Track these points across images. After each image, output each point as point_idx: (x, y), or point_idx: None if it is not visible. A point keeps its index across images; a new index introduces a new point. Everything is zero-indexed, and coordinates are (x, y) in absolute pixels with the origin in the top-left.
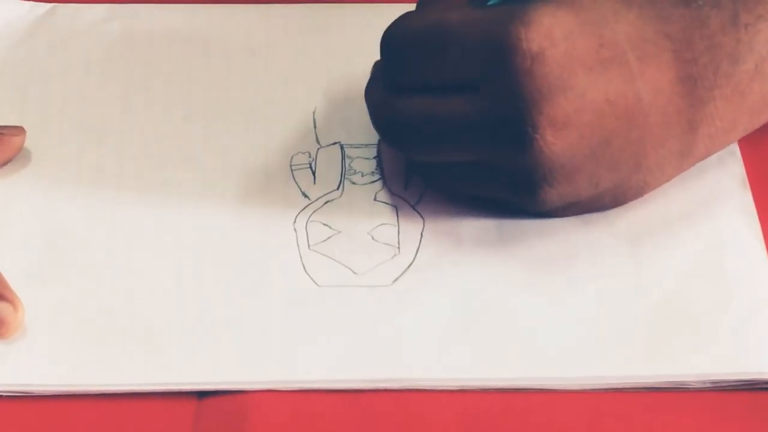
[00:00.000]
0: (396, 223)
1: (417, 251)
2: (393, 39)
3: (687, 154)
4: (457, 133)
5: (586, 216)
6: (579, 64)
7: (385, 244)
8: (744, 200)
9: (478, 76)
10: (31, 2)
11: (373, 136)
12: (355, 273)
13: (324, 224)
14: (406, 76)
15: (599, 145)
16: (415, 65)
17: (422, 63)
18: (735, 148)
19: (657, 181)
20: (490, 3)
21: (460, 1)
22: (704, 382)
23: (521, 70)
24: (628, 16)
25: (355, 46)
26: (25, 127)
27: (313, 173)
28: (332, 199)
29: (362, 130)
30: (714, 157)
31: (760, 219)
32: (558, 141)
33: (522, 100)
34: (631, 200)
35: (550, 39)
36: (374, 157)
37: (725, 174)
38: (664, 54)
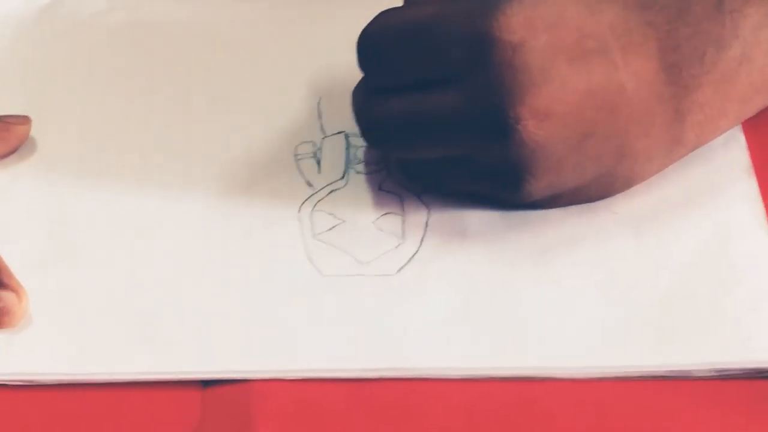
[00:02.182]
0: (401, 213)
1: (422, 241)
2: (369, 41)
3: (677, 143)
4: (441, 128)
5: (590, 204)
6: (561, 54)
7: (390, 233)
8: (749, 186)
9: (458, 70)
10: None
11: None
12: (359, 262)
13: (329, 213)
14: (385, 77)
15: (582, 136)
16: (394, 65)
17: (401, 62)
18: (739, 134)
19: (646, 171)
20: None
21: None
22: (709, 371)
23: (502, 61)
24: (611, 5)
25: None
26: (30, 117)
27: (318, 163)
28: (337, 189)
29: None
30: (718, 143)
31: (765, 206)
32: (540, 131)
33: (503, 91)
34: (620, 191)
35: (531, 30)
36: None
37: (729, 160)
38: (647, 43)
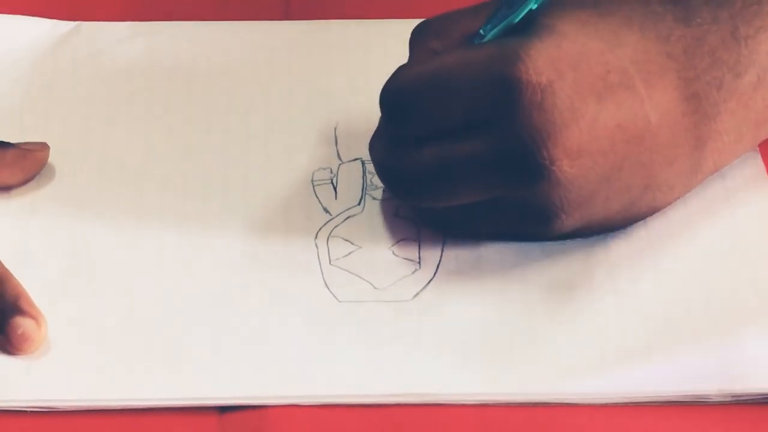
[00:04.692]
0: (417, 239)
1: (437, 267)
2: (392, 95)
3: (696, 171)
4: (472, 175)
5: None
6: (588, 92)
7: (406, 259)
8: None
9: (487, 115)
10: (55, 20)
11: None
12: (375, 288)
13: (345, 239)
14: (412, 130)
15: (612, 170)
16: (420, 117)
17: (427, 113)
18: (754, 151)
19: (667, 199)
20: (485, 39)
21: (453, 42)
22: (725, 396)
23: (532, 104)
24: (629, 38)
25: (377, 62)
26: (48, 144)
27: (335, 189)
28: (353, 215)
29: None
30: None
31: None
32: (573, 170)
33: (536, 134)
34: (641, 219)
35: (557, 70)
36: None
37: (745, 179)
38: (668, 74)
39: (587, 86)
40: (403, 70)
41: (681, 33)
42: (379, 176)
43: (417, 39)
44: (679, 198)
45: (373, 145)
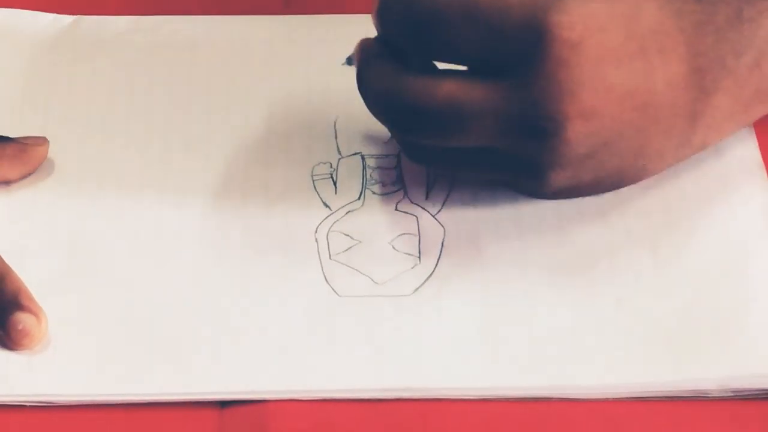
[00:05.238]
0: (417, 233)
1: (438, 261)
2: (417, 11)
3: (686, 144)
4: (481, 121)
5: (606, 222)
6: (609, 55)
7: (406, 253)
8: (765, 198)
9: (508, 60)
10: (55, 14)
11: (394, 147)
12: (375, 283)
13: (345, 234)
14: (431, 55)
15: (614, 135)
16: (443, 46)
17: (452, 44)
18: (754, 147)
19: (656, 168)
20: None
21: None
22: (725, 391)
23: (559, 59)
24: (650, 9)
25: None
26: (48, 138)
27: (335, 183)
28: (353, 209)
29: (383, 141)
30: (732, 155)
31: None
32: (582, 130)
33: (557, 89)
34: (627, 185)
35: (587, 29)
36: (395, 167)
37: (744, 173)
38: (678, 47)
39: (610, 50)
40: None
41: (692, 8)
42: (374, 106)
43: None
44: (665, 169)
45: (367, 75)
